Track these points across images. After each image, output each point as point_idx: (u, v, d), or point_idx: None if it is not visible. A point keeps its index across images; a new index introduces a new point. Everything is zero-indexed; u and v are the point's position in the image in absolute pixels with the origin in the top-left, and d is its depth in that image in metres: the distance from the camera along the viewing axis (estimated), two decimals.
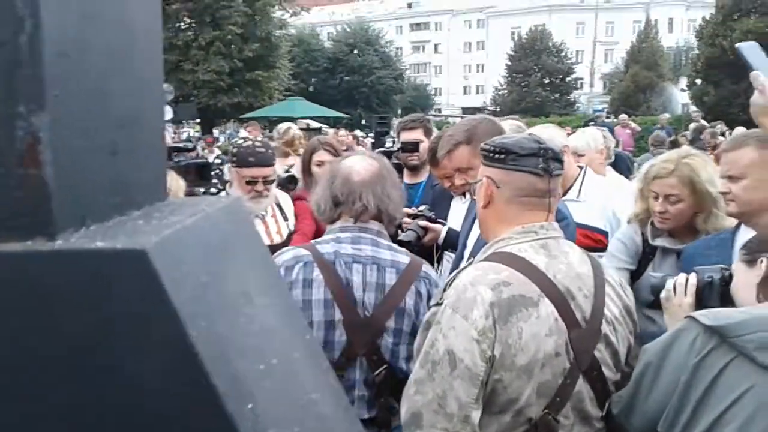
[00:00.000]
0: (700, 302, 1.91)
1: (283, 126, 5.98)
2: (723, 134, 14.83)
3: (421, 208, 3.13)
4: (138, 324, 0.53)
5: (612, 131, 14.85)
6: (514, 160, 1.76)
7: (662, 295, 2.01)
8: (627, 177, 5.32)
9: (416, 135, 3.84)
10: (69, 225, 0.59)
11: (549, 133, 3.09)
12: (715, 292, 1.90)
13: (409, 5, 72.22)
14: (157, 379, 0.53)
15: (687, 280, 1.96)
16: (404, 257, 2.08)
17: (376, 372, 1.97)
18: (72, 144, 0.61)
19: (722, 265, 1.95)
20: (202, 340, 0.56)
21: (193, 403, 0.54)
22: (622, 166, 6.70)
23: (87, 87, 0.64)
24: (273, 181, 3.22)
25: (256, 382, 0.64)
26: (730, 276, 1.86)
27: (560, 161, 1.81)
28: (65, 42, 0.60)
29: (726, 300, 1.86)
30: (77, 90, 0.62)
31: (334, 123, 25.13)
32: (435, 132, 3.92)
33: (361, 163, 2.12)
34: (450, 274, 2.86)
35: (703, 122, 16.88)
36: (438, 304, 1.69)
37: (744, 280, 1.75)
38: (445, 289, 1.72)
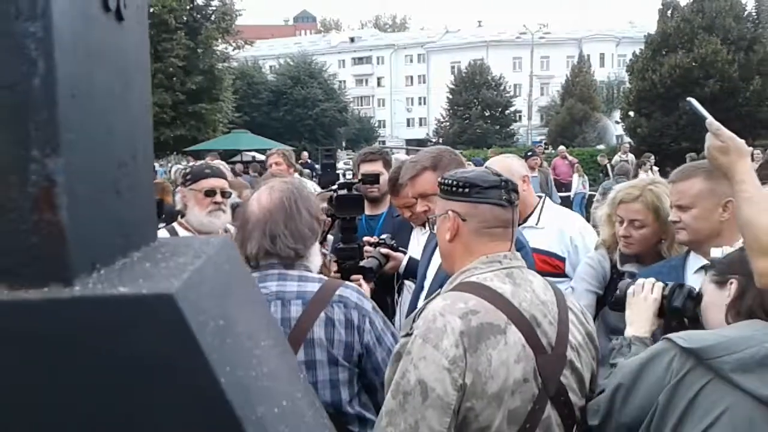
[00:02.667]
0: (667, 301, 1.98)
1: None
2: (652, 167, 15.54)
3: (383, 236, 3.14)
4: (167, 371, 0.51)
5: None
6: (479, 192, 1.79)
7: (629, 290, 2.06)
8: None
9: (376, 167, 3.86)
10: (82, 270, 0.57)
11: (509, 163, 3.16)
12: (684, 294, 1.96)
13: (352, 40, 73.19)
14: (189, 429, 0.51)
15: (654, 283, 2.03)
16: (313, 285, 2.00)
17: None
18: (81, 187, 0.59)
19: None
20: (229, 387, 0.54)
21: None
22: None
23: (92, 128, 0.63)
24: (230, 195, 3.19)
25: (274, 427, 0.62)
26: (698, 294, 1.92)
27: (517, 192, 1.86)
28: (75, 83, 0.58)
29: (692, 301, 1.93)
30: (85, 131, 0.61)
31: None
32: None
33: (256, 202, 2.06)
34: (410, 304, 2.88)
35: (630, 154, 17.65)
36: (408, 335, 1.68)
37: (713, 300, 1.80)
38: (414, 320, 1.72)
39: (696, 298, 1.94)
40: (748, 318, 1.67)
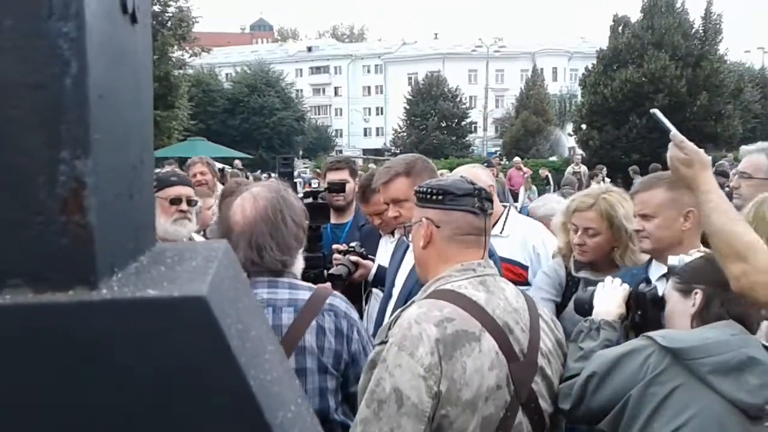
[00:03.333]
0: (633, 292, 2.04)
1: None
2: (604, 179, 16.04)
3: (352, 244, 3.15)
4: (200, 375, 0.51)
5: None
6: (452, 200, 1.82)
7: (598, 285, 2.12)
8: None
9: (342, 175, 3.88)
10: (105, 273, 0.56)
11: (476, 173, 3.20)
12: (651, 295, 2.01)
13: (309, 49, 73.11)
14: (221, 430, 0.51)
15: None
16: (305, 293, 1.98)
17: None
18: (105, 189, 0.58)
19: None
20: (257, 391, 0.55)
21: None
22: None
23: (114, 130, 0.62)
24: (196, 203, 3.15)
25: (291, 430, 0.63)
26: (661, 298, 1.98)
27: (491, 201, 1.90)
28: (102, 84, 0.58)
29: (654, 303, 1.99)
30: (108, 133, 0.60)
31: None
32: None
33: (239, 210, 2.00)
34: (378, 311, 2.89)
35: (582, 166, 18.17)
36: (383, 343, 1.69)
37: (677, 308, 1.85)
38: (390, 328, 1.72)
39: (659, 302, 2.00)
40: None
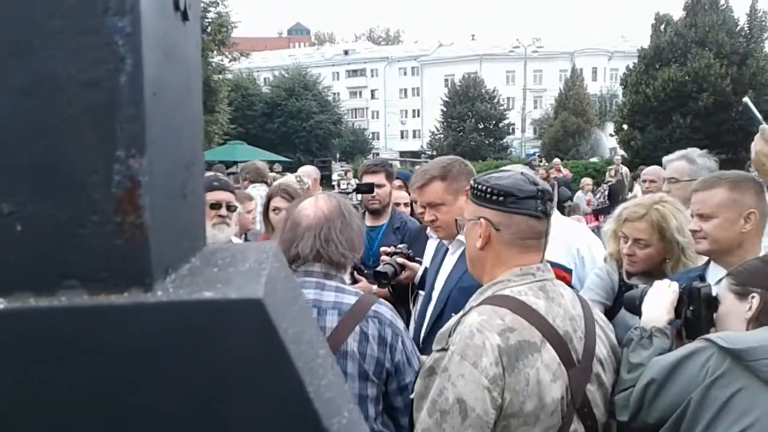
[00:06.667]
0: (686, 294, 1.93)
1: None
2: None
3: (400, 246, 3.14)
4: (256, 378, 0.49)
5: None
6: (514, 202, 1.72)
7: (650, 289, 2.02)
8: None
9: (378, 179, 3.87)
10: (159, 275, 0.55)
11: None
12: (705, 292, 1.91)
13: (346, 52, 73.47)
14: None
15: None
16: (350, 298, 1.98)
17: None
18: (159, 189, 0.57)
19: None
20: (314, 396, 0.53)
21: None
22: None
23: (167, 128, 0.61)
24: (235, 209, 3.18)
25: None
26: (715, 298, 1.89)
27: (552, 201, 1.80)
28: (155, 81, 0.57)
29: (707, 304, 1.89)
30: (162, 131, 0.59)
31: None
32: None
33: (311, 206, 2.06)
34: (418, 314, 2.85)
35: (624, 167, 17.76)
36: (443, 350, 1.63)
37: (732, 310, 1.79)
38: (450, 335, 1.65)
39: (712, 302, 1.92)
40: None
